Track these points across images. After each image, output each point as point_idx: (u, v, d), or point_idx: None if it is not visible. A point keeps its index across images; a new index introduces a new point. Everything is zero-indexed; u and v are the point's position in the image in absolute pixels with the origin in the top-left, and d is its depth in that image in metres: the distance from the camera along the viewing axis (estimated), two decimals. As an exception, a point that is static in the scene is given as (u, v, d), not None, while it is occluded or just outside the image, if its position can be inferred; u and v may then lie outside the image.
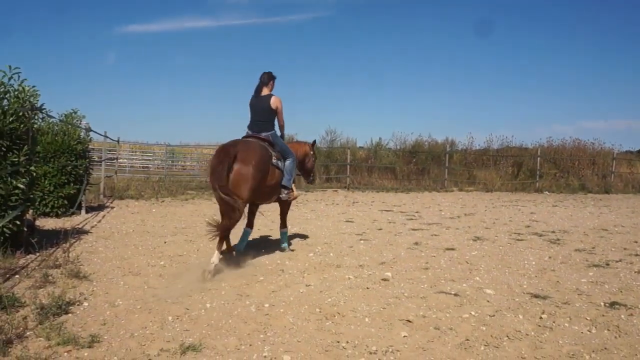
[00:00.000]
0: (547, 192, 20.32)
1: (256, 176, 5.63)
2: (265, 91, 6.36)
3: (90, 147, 11.08)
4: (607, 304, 4.63)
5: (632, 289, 5.20)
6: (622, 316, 4.31)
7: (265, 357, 3.33)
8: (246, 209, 6.27)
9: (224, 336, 3.67)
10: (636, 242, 8.19)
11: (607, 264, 6.38)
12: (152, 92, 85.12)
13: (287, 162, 6.40)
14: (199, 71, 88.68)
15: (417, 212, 12.13)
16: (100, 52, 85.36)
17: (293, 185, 6.61)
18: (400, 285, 5.17)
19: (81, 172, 9.76)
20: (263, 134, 6.24)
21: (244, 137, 6.28)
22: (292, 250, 6.94)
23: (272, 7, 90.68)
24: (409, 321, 4.06)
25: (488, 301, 4.66)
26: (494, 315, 4.26)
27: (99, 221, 9.15)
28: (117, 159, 18.75)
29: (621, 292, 5.09)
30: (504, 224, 10.11)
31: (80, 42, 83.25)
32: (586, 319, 4.23)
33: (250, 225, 6.80)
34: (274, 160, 6.11)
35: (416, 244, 7.55)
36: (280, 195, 6.47)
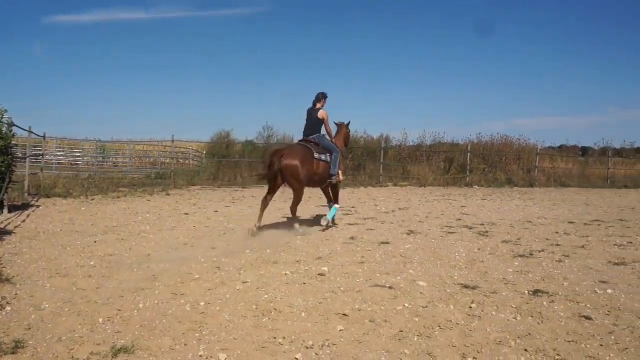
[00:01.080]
0: (476, 187, 21.12)
1: (303, 166, 7.87)
2: (318, 105, 8.56)
3: (13, 143, 10.50)
4: (531, 292, 4.88)
5: (553, 277, 5.50)
6: (545, 303, 4.55)
7: (201, 356, 3.29)
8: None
9: (158, 337, 3.60)
10: (557, 233, 8.65)
11: (531, 254, 6.71)
12: (81, 86, 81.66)
13: (333, 156, 8.46)
14: (131, 65, 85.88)
15: (353, 207, 12.30)
16: (25, 43, 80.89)
17: (340, 172, 8.62)
18: (337, 279, 5.24)
19: (3, 169, 9.24)
20: (311, 137, 8.48)
21: (301, 141, 8.62)
22: (335, 225, 8.88)
23: (209, 1, 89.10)
24: (345, 315, 4.12)
25: (421, 293, 4.80)
26: (426, 307, 4.39)
27: (23, 221, 8.71)
28: (43, 155, 17.88)
29: (544, 280, 5.36)
30: (437, 218, 10.42)
31: (3, 32, 78.72)
32: (512, 307, 4.43)
33: (329, 200, 9.06)
34: (316, 156, 8.19)
35: (352, 238, 7.66)
36: (329, 180, 8.53)
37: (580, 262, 6.28)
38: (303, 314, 4.13)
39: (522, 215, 11.16)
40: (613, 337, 3.73)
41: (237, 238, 7.59)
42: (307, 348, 3.45)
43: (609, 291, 4.95)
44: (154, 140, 25.02)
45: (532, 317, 4.18)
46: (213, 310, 4.20)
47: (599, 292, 4.94)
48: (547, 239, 7.96)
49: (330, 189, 8.93)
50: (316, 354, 3.36)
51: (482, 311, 4.30)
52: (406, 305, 4.41)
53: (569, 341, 3.65)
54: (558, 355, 3.40)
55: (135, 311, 4.13)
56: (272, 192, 8.15)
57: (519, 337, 3.70)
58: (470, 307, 4.39)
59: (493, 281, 5.30)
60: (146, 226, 8.64)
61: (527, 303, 4.55)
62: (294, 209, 8.38)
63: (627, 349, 3.52)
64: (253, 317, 4.04)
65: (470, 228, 8.98)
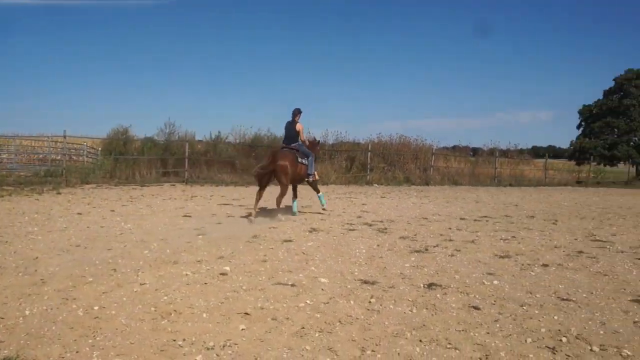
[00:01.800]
0: (376, 185, 21.80)
1: (290, 166, 9.92)
2: (296, 119, 10.47)
3: None
4: (426, 286, 5.12)
5: (446, 270, 5.81)
6: (438, 295, 4.80)
7: (94, 363, 3.13)
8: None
9: (47, 344, 3.38)
10: (450, 228, 9.15)
11: (426, 249, 7.04)
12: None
13: (309, 159, 10.51)
14: (18, 53, 79.67)
15: (256, 205, 12.23)
16: None
17: (315, 172, 10.79)
18: (239, 278, 5.19)
19: None
20: (292, 145, 10.40)
21: (281, 148, 10.57)
22: (324, 211, 11.15)
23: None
24: (247, 314, 4.10)
25: (322, 289, 4.88)
26: (327, 303, 4.47)
27: None
28: None
29: (437, 274, 5.65)
30: (338, 215, 10.64)
31: None
32: (408, 300, 4.63)
33: (295, 196, 10.91)
34: (299, 159, 10.23)
35: (255, 237, 7.63)
36: (306, 179, 10.64)
37: (470, 256, 6.68)
38: (204, 315, 4.05)
39: (419, 212, 11.68)
40: (498, 325, 4.01)
41: (134, 239, 7.29)
42: (208, 349, 3.39)
43: (495, 282, 5.32)
44: (43, 135, 23.29)
45: (426, 309, 4.39)
46: (108, 314, 4.01)
47: (486, 283, 5.29)
48: (441, 235, 8.39)
49: (310, 184, 11.02)
50: (217, 355, 3.32)
51: (381, 305, 4.45)
52: (308, 302, 4.47)
53: (459, 330, 3.88)
54: (449, 344, 3.60)
55: (21, 318, 3.85)
56: (264, 187, 10.10)
57: (414, 329, 3.88)
58: (370, 302, 4.53)
59: (391, 276, 5.50)
60: (34, 227, 8.06)
61: (422, 296, 4.77)
62: (279, 200, 10.04)
63: (510, 335, 3.80)
64: (151, 320, 3.91)
65: (370, 225, 9.26)
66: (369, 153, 23.55)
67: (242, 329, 3.76)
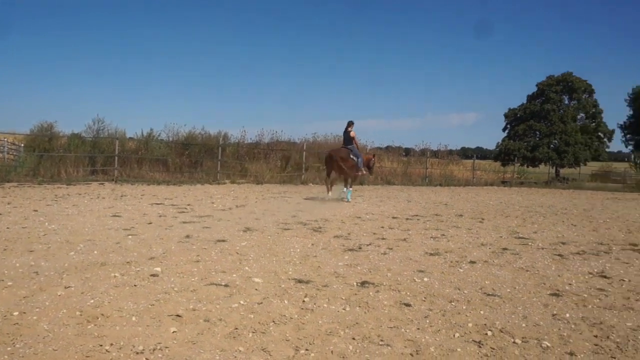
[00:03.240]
0: (311, 184, 21.90)
1: (344, 162, 13.57)
2: (349, 128, 14.14)
3: None
4: (359, 284, 5.20)
5: (379, 269, 5.92)
6: (371, 293, 4.88)
7: (13, 371, 2.97)
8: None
9: (-40, 354, 3.16)
10: (383, 227, 9.33)
11: (360, 248, 7.14)
12: None
13: (359, 159, 14.01)
14: None
15: (189, 204, 12.01)
16: None
17: (362, 169, 14.26)
18: (170, 279, 5.07)
19: None
20: (348, 146, 14.04)
21: (342, 147, 14.39)
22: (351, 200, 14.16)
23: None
24: (178, 316, 4.01)
25: (256, 289, 4.85)
26: (261, 303, 4.45)
27: None
28: None
29: (370, 272, 5.75)
30: (273, 215, 10.61)
31: None
32: (342, 298, 4.68)
33: (349, 185, 14.35)
34: (351, 156, 13.73)
35: (187, 237, 7.48)
36: (355, 173, 14.14)
37: (402, 254, 6.84)
38: (133, 318, 3.93)
39: (352, 211, 11.83)
40: (428, 321, 4.13)
41: (59, 239, 6.96)
42: (137, 353, 3.29)
43: (425, 279, 5.47)
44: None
45: (359, 307, 4.45)
46: (29, 320, 3.81)
47: (417, 280, 5.43)
48: (374, 233, 8.54)
49: (352, 179, 14.48)
50: (147, 359, 3.22)
51: (315, 304, 4.47)
52: (241, 302, 4.42)
53: (391, 327, 3.96)
54: (382, 340, 3.67)
55: None
56: (329, 173, 14.40)
57: (347, 327, 3.92)
58: (304, 301, 4.54)
59: (325, 275, 5.54)
60: (-54, 228, 7.54)
61: (356, 294, 4.84)
62: (332, 184, 14.62)
63: (439, 330, 3.92)
64: (76, 325, 3.74)
65: (305, 224, 9.29)
66: (304, 152, 23.63)
67: (173, 332, 3.67)
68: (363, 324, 4.00)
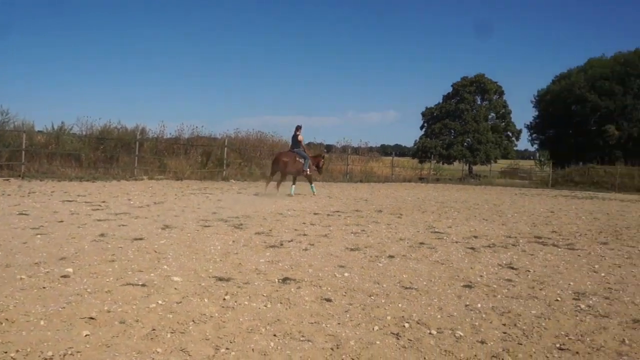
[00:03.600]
0: (233, 180, 21.65)
1: (291, 163, 15.12)
2: (297, 132, 15.69)
3: None
4: (280, 280, 5.20)
5: (300, 265, 5.95)
6: (292, 289, 4.89)
7: None
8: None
9: None
10: (304, 223, 9.39)
11: (281, 244, 7.15)
12: None
13: (306, 160, 15.60)
14: None
15: (103, 201, 11.52)
16: None
17: (308, 169, 15.74)
18: (83, 280, 4.84)
19: None
20: (295, 150, 15.66)
21: (289, 150, 16.04)
22: (313, 196, 15.67)
23: None
24: (91, 318, 3.83)
25: (175, 289, 4.73)
26: (180, 302, 4.34)
27: None
28: None
29: (292, 268, 5.77)
30: (193, 212, 10.39)
31: None
32: (263, 295, 4.66)
33: (294, 182, 15.90)
34: (297, 158, 15.36)
35: (102, 235, 7.16)
36: (302, 173, 15.64)
37: (323, 250, 6.91)
38: (42, 322, 3.71)
39: (274, 208, 11.81)
40: (348, 315, 4.20)
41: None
42: (46, 359, 3.11)
43: (346, 274, 5.56)
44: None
45: (281, 303, 4.46)
46: None
47: (337, 275, 5.50)
48: (296, 230, 8.57)
49: (305, 177, 16.14)
50: (57, 365, 3.05)
51: (236, 302, 4.42)
52: (159, 302, 4.30)
53: (312, 322, 3.99)
54: (303, 336, 3.69)
55: None
56: (271, 176, 15.82)
57: (268, 324, 3.91)
58: (224, 299, 4.48)
59: (246, 272, 5.50)
60: None
61: (277, 290, 4.83)
62: (279, 184, 15.42)
63: (359, 324, 4.00)
64: (-23, 331, 3.48)
65: (226, 221, 9.17)
66: (226, 148, 23.31)
67: (86, 335, 3.50)
68: (284, 321, 4.01)
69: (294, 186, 15.89)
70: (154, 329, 3.69)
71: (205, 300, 4.43)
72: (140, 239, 7.04)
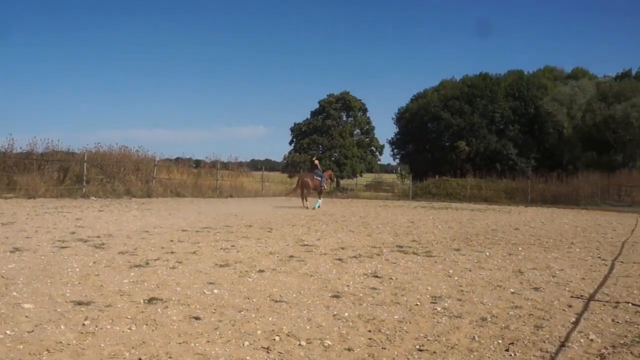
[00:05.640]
0: (94, 198, 20.38)
1: (312, 182, 20.50)
2: (315, 161, 22.40)
3: None
4: (146, 301, 4.98)
5: (167, 283, 5.75)
6: (159, 310, 4.71)
7: None
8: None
9: None
10: (172, 241, 9.10)
11: (147, 263, 6.86)
12: None
13: (322, 179, 20.83)
14: None
15: (-61, 224, 10.23)
16: None
17: (325, 186, 21.82)
18: None
19: None
20: (315, 171, 21.41)
21: (308, 171, 25.05)
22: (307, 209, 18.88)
23: None
24: None
25: (27, 316, 4.34)
26: (33, 331, 3.99)
27: None
28: None
29: (158, 287, 5.55)
30: (48, 232, 9.60)
31: None
32: (127, 317, 4.43)
33: (319, 197, 21.13)
34: (316, 177, 20.62)
35: (-64, 262, 6.36)
36: (321, 188, 21.01)
37: (192, 267, 6.75)
38: None
39: (140, 225, 11.30)
40: (218, 332, 4.13)
41: None
42: None
43: (215, 291, 5.48)
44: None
45: (146, 325, 4.27)
46: None
47: (207, 293, 5.40)
48: (163, 247, 8.27)
49: (319, 193, 20.95)
50: None
51: (97, 326, 4.16)
52: (8, 332, 3.91)
53: (180, 342, 3.87)
54: (170, 357, 3.56)
55: None
56: (299, 192, 20.76)
57: (133, 347, 3.73)
58: (84, 324, 4.19)
59: (108, 294, 5.19)
60: None
61: (142, 312, 4.63)
62: (305, 198, 20.31)
63: (229, 340, 3.96)
64: None
65: (86, 241, 8.60)
66: (85, 163, 21.88)
67: None
68: (150, 343, 3.85)
69: (319, 200, 20.93)
70: (0, 363, 3.35)
71: (62, 326, 4.11)
72: (-16, 264, 6.36)
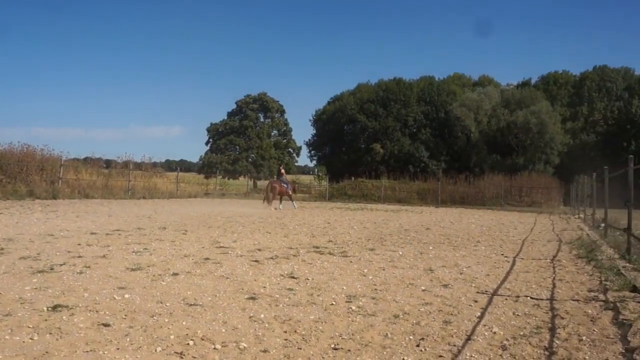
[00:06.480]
0: (-9, 199, 18.97)
1: (279, 187, 23.84)
2: (282, 170, 26.66)
3: None
4: (50, 308, 4.71)
5: (74, 289, 5.46)
6: (64, 317, 4.47)
7: None
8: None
9: None
10: (80, 244, 8.66)
11: (52, 269, 6.48)
12: None
13: (288, 186, 24.57)
14: None
15: None
16: None
17: (290, 190, 25.03)
18: None
19: None
20: (281, 178, 25.08)
21: (277, 178, 26.19)
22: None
23: None
24: None
25: None
26: None
27: None
28: None
29: (64, 294, 5.26)
30: (-63, 237, 8.83)
31: None
32: (29, 327, 4.17)
33: (292, 200, 25.42)
34: (282, 184, 24.11)
35: None
36: (287, 194, 24.42)
37: (101, 272, 6.45)
38: None
39: (44, 229, 10.67)
40: (129, 339, 3.98)
41: None
42: None
43: (127, 296, 5.28)
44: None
45: (50, 333, 4.04)
46: None
47: (117, 298, 5.19)
48: (69, 252, 7.86)
49: (289, 197, 24.38)
50: None
51: (-6, 337, 3.88)
52: None
53: (87, 351, 3.69)
54: (76, 367, 3.39)
55: None
56: (271, 195, 23.17)
57: (35, 358, 3.51)
58: (-22, 336, 3.90)
59: (7, 302, 4.86)
60: None
61: (46, 320, 4.37)
62: (271, 200, 22.99)
63: (140, 347, 3.82)
64: None
65: (-18, 246, 7.99)
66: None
67: None
68: (54, 353, 3.64)
69: (294, 202, 25.13)
70: None
71: (-46, 339, 3.80)
72: None
